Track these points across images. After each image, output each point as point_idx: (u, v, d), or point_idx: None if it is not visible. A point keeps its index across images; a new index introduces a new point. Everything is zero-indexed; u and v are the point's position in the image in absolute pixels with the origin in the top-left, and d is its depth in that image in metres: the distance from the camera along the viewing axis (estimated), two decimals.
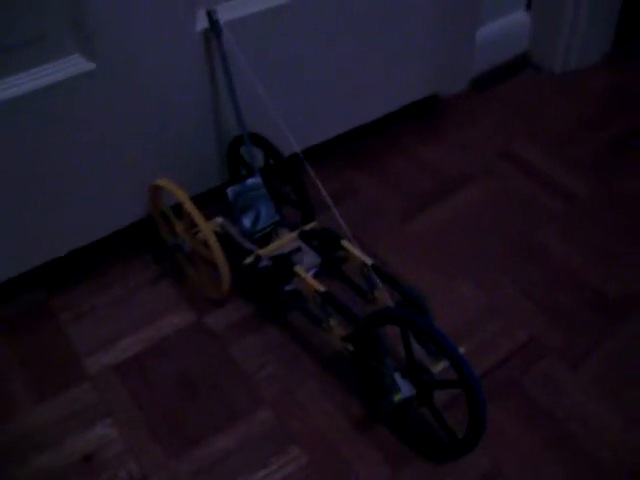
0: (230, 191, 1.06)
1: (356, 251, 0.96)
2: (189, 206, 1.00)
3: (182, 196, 1.01)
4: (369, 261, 0.94)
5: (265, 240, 1.06)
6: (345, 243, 0.97)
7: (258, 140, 1.08)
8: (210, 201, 1.12)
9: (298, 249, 1.01)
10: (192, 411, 0.98)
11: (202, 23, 1.02)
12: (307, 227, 1.05)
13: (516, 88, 1.52)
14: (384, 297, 0.92)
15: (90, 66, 0.97)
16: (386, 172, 1.33)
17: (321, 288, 0.93)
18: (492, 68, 1.53)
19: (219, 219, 1.08)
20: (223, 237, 1.05)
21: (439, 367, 0.86)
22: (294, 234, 1.04)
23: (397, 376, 0.86)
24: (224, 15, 1.02)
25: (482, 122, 1.44)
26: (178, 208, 1.03)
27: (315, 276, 0.97)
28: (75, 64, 0.97)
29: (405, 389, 0.86)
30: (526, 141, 1.38)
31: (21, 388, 1.03)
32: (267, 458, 0.93)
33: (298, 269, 0.96)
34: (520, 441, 0.93)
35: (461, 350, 0.82)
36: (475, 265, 1.15)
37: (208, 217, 1.05)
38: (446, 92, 1.46)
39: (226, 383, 1.01)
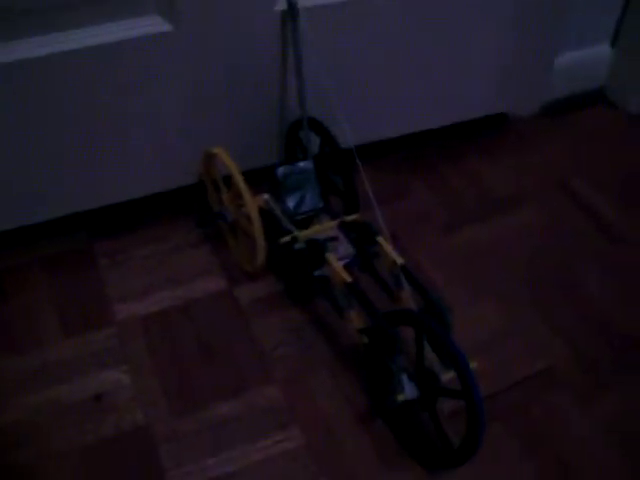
0: (280, 170, 1.09)
1: (389, 249, 0.97)
2: (238, 179, 1.03)
3: (233, 168, 1.03)
4: (400, 260, 0.96)
5: (305, 224, 1.08)
6: (380, 239, 0.99)
7: (317, 127, 1.10)
8: (261, 177, 1.14)
9: (334, 238, 1.03)
10: (203, 375, 1.01)
11: (282, 4, 1.05)
12: (348, 218, 1.06)
13: (586, 121, 1.50)
14: (408, 299, 0.94)
15: (167, 27, 1.00)
16: (439, 182, 1.33)
17: (348, 278, 0.94)
18: (566, 97, 1.52)
19: (265, 195, 1.10)
20: (266, 213, 1.08)
21: (447, 377, 0.87)
22: (334, 223, 1.06)
23: (404, 377, 0.87)
24: (303, 1, 1.04)
25: (546, 149, 1.42)
26: (229, 178, 1.06)
27: (346, 267, 0.98)
28: (153, 24, 1.00)
29: (409, 391, 0.87)
30: (586, 177, 1.36)
31: (51, 323, 1.07)
32: (268, 431, 0.95)
33: (330, 257, 0.97)
34: (514, 466, 0.93)
35: (472, 365, 0.82)
36: (505, 289, 1.15)
37: (256, 192, 1.07)
38: (515, 113, 1.45)
39: (241, 354, 1.04)
